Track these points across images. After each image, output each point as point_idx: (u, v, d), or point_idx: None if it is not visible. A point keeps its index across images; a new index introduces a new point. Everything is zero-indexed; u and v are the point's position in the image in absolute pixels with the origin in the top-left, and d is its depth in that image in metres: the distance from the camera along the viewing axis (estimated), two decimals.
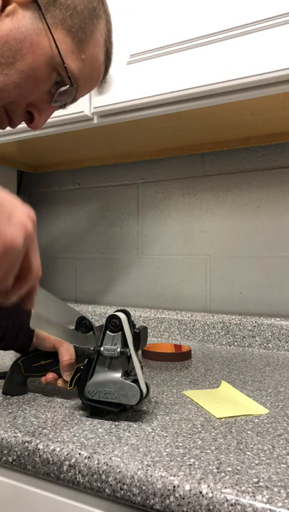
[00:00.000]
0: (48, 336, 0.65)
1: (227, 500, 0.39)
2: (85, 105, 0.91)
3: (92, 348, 0.58)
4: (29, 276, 0.41)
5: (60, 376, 0.65)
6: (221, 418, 0.58)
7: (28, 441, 0.51)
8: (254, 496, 0.39)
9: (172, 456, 0.46)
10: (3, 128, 0.55)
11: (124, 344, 0.57)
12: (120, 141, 1.15)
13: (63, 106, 0.58)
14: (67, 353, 0.63)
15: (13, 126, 0.55)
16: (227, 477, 0.42)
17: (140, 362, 0.59)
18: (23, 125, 0.60)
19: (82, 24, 0.51)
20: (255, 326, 1.06)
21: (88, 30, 0.52)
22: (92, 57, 0.54)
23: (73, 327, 0.59)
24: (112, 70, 0.87)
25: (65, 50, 0.51)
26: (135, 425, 0.55)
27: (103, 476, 0.45)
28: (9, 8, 0.48)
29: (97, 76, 0.57)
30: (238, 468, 0.44)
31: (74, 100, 0.57)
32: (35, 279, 0.42)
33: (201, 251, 1.20)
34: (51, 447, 0.49)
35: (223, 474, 0.42)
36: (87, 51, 0.53)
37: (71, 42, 0.51)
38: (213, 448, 0.49)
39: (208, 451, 0.48)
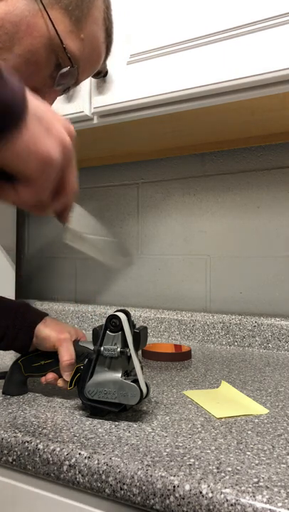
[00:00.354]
0: (48, 335, 0.65)
1: (227, 500, 0.39)
2: (85, 105, 0.91)
3: (92, 348, 0.58)
4: (65, 191, 0.40)
5: (60, 376, 0.65)
6: (221, 418, 0.58)
7: (28, 441, 0.51)
8: (254, 496, 0.39)
9: (172, 456, 0.46)
10: None
11: (124, 344, 0.57)
12: (120, 141, 1.15)
13: (67, 90, 0.56)
14: (67, 353, 0.63)
15: None
16: (227, 477, 0.42)
17: (140, 362, 0.59)
18: None
19: (78, 2, 0.50)
20: (255, 326, 1.06)
21: (85, 8, 0.50)
22: (91, 36, 0.52)
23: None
24: (111, 70, 0.88)
25: (63, 31, 0.49)
26: (135, 425, 0.55)
27: (103, 476, 0.45)
28: None
29: (98, 55, 0.55)
30: (238, 468, 0.44)
31: (77, 83, 0.55)
32: (71, 195, 0.41)
33: (201, 251, 1.20)
34: (51, 447, 0.49)
35: (223, 474, 0.42)
36: (85, 30, 0.51)
37: (69, 21, 0.49)
38: (213, 448, 0.49)
39: (208, 451, 0.48)
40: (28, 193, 0.37)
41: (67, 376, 0.63)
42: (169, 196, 1.25)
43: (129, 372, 0.58)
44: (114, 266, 0.59)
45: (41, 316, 0.68)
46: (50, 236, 1.48)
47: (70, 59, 0.50)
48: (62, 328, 0.66)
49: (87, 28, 0.51)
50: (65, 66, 0.51)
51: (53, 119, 0.37)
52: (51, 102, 0.55)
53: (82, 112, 0.92)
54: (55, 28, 0.48)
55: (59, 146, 0.37)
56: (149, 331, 1.21)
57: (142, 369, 0.59)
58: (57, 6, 0.48)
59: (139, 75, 0.85)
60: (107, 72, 0.87)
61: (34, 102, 0.36)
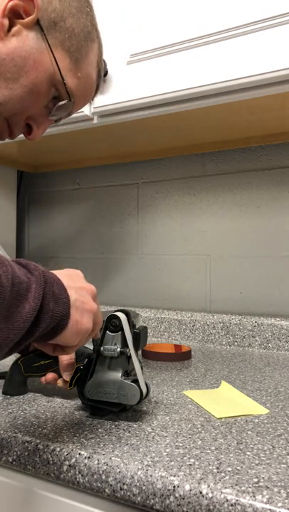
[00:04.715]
0: None
1: (227, 501, 0.39)
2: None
3: (92, 348, 0.58)
4: (96, 328, 0.52)
5: (60, 376, 0.65)
6: (221, 418, 0.58)
7: (28, 441, 0.51)
8: (254, 496, 0.39)
9: (172, 456, 0.46)
10: (3, 139, 0.60)
11: (124, 344, 0.57)
12: (120, 141, 1.15)
13: (58, 120, 0.62)
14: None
15: (13, 137, 0.60)
16: (227, 477, 0.42)
17: (140, 362, 0.59)
18: None
19: (78, 45, 0.56)
20: (255, 326, 1.06)
21: (84, 51, 0.57)
22: (86, 76, 0.59)
23: None
24: (111, 70, 0.88)
25: (64, 68, 0.56)
26: (135, 425, 0.55)
27: (103, 476, 0.45)
28: (14, 28, 0.53)
29: (90, 93, 0.62)
30: (238, 468, 0.44)
31: (69, 114, 0.62)
32: (99, 327, 0.53)
33: (201, 251, 1.20)
34: (51, 447, 0.49)
35: (223, 474, 0.42)
36: (82, 70, 0.58)
37: (69, 61, 0.56)
38: (213, 448, 0.49)
39: (208, 451, 0.48)
40: (67, 351, 0.50)
41: (67, 376, 0.63)
42: (169, 196, 1.25)
43: (129, 372, 0.58)
44: None
45: None
46: (50, 236, 1.48)
47: (69, 93, 0.57)
48: None
49: (84, 68, 0.58)
50: (62, 99, 0.58)
51: (82, 295, 0.48)
52: (44, 129, 0.61)
53: (82, 111, 0.92)
54: (58, 66, 0.55)
55: (91, 317, 0.48)
56: (149, 331, 1.21)
57: (142, 369, 0.59)
58: (60, 48, 0.55)
59: (139, 75, 0.85)
60: (107, 72, 0.87)
61: (70, 294, 0.46)
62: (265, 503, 0.38)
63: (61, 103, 0.58)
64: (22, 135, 0.61)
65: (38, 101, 0.56)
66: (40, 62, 0.54)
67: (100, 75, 0.63)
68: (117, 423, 0.56)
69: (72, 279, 0.49)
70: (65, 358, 0.63)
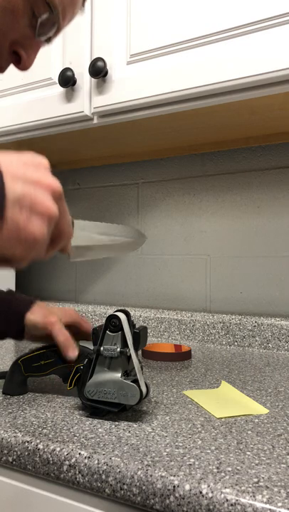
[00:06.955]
0: (35, 323, 0.65)
1: (227, 500, 0.39)
2: (85, 105, 0.91)
3: (92, 348, 0.58)
4: (61, 239, 0.41)
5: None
6: (221, 418, 0.58)
7: (28, 441, 0.51)
8: (254, 496, 0.39)
9: (172, 456, 0.46)
10: None
11: (124, 344, 0.57)
12: (120, 141, 1.15)
13: (49, 40, 0.53)
14: (60, 334, 0.62)
15: (1, 70, 0.52)
16: (227, 477, 0.42)
17: (140, 362, 0.59)
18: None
19: None
20: (255, 326, 1.06)
21: None
22: None
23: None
24: (111, 70, 0.88)
25: None
26: (135, 425, 0.55)
27: (103, 476, 0.45)
28: None
29: None
30: (238, 468, 0.44)
31: (59, 30, 0.52)
32: (68, 239, 0.42)
33: (201, 251, 1.20)
34: (51, 447, 0.49)
35: (223, 474, 0.42)
36: None
37: None
38: (213, 448, 0.49)
39: (208, 451, 0.48)
40: (22, 264, 0.39)
41: (72, 351, 0.62)
42: (169, 196, 1.25)
43: (129, 372, 0.58)
44: (130, 251, 0.59)
45: (28, 304, 0.68)
46: None
47: (49, 4, 0.47)
48: (48, 312, 0.66)
49: None
50: (44, 13, 0.48)
51: (35, 191, 0.36)
52: (35, 54, 0.53)
53: (82, 111, 0.92)
54: None
55: (45, 222, 0.37)
56: (149, 331, 1.21)
57: (141, 369, 0.59)
58: None
59: (139, 75, 0.85)
60: (107, 72, 0.87)
61: (11, 185, 0.35)
62: (265, 502, 0.38)
63: (43, 17, 0.48)
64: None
65: (17, 21, 0.47)
66: None
67: None
68: (117, 423, 0.56)
69: (26, 168, 0.37)
70: (61, 339, 0.62)
